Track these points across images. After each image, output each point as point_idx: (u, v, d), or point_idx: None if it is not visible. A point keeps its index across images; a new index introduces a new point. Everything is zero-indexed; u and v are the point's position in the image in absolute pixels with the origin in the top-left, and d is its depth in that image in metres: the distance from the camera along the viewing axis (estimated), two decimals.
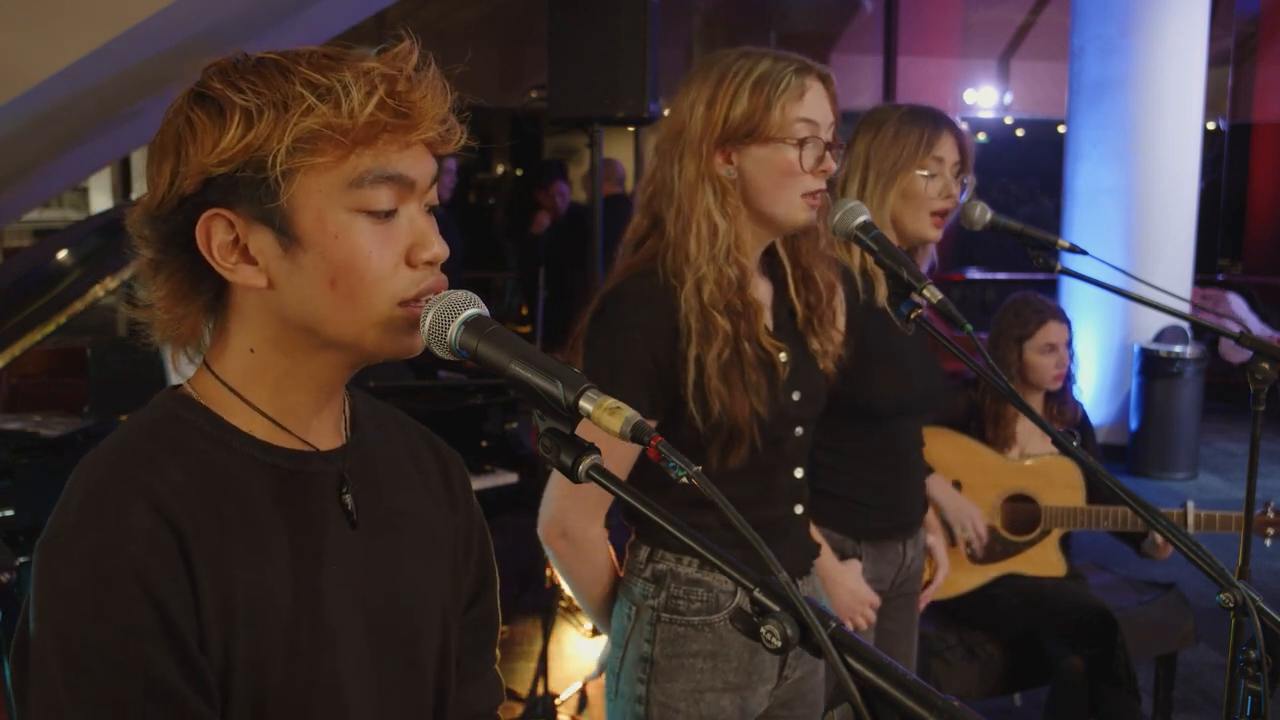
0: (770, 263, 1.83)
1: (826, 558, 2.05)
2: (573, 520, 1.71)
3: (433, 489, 1.22)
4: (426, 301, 1.02)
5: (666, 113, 1.78)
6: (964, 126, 2.27)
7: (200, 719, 0.96)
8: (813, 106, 1.69)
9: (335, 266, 1.00)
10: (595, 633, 4.19)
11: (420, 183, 1.03)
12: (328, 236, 1.00)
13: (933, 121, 2.22)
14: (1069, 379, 3.27)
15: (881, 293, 2.17)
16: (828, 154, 1.71)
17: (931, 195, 2.20)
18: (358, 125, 0.97)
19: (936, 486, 2.84)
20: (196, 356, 1.09)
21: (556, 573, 1.80)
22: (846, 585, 2.07)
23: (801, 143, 1.68)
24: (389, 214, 1.02)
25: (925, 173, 2.19)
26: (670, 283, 1.68)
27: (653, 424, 1.69)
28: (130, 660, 0.93)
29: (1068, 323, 3.24)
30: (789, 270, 1.83)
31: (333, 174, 0.99)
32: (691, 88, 1.72)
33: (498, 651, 1.33)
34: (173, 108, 1.02)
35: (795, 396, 1.77)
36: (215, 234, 1.00)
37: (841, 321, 1.90)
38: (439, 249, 1.04)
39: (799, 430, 1.80)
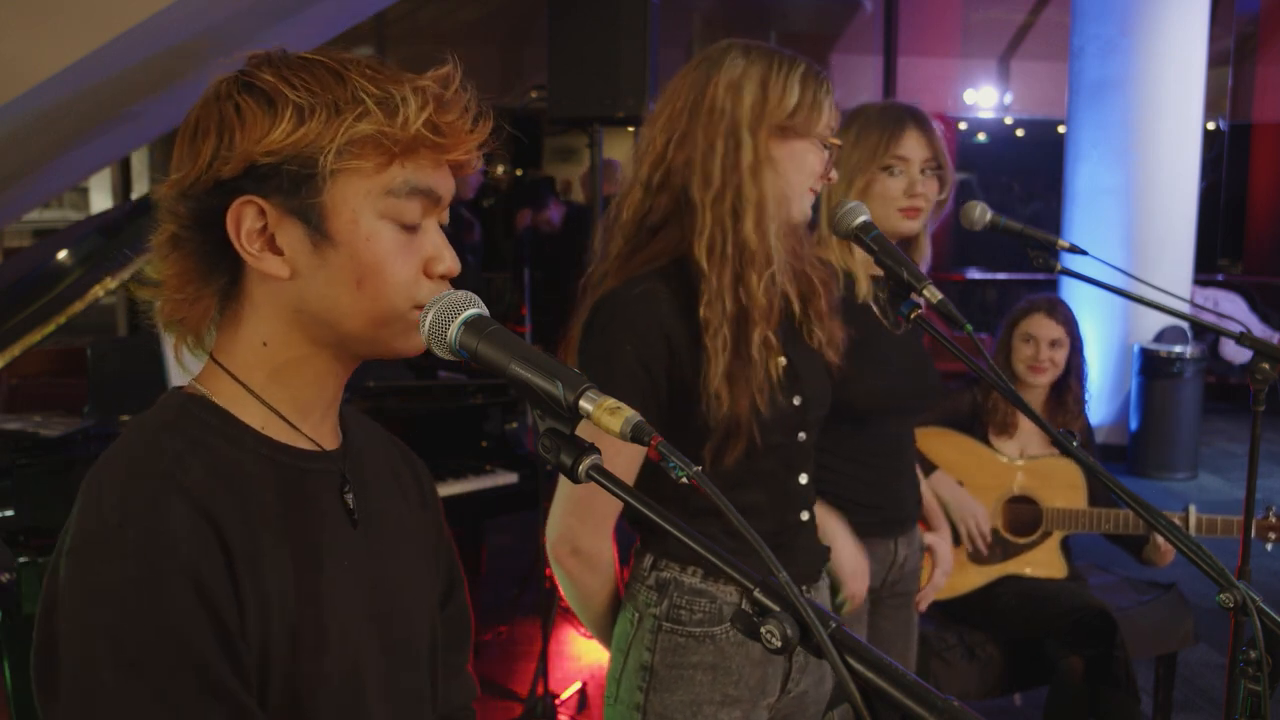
0: None
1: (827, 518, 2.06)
2: (583, 537, 1.69)
3: (407, 491, 1.25)
4: None
5: (680, 90, 1.72)
6: (934, 124, 2.24)
7: (248, 713, 0.97)
8: (832, 117, 1.73)
9: (364, 268, 1.03)
10: None
11: (445, 199, 1.08)
12: (359, 239, 1.03)
13: (895, 120, 2.21)
14: (1065, 385, 3.24)
15: (863, 289, 2.17)
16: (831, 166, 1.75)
17: (895, 194, 2.19)
18: (406, 137, 1.01)
19: (942, 484, 2.84)
20: (198, 349, 1.10)
21: (561, 588, 1.79)
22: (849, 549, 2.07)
23: (828, 147, 1.72)
24: (414, 226, 1.05)
25: (887, 170, 2.19)
26: (709, 277, 1.65)
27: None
28: (185, 658, 0.94)
29: (1066, 327, 3.21)
30: None
31: (372, 180, 1.02)
32: (724, 68, 1.68)
33: (470, 652, 1.35)
34: (215, 91, 1.03)
35: (796, 401, 1.75)
36: (245, 220, 1.02)
37: (838, 317, 1.90)
38: (452, 263, 1.08)
39: (802, 435, 1.78)
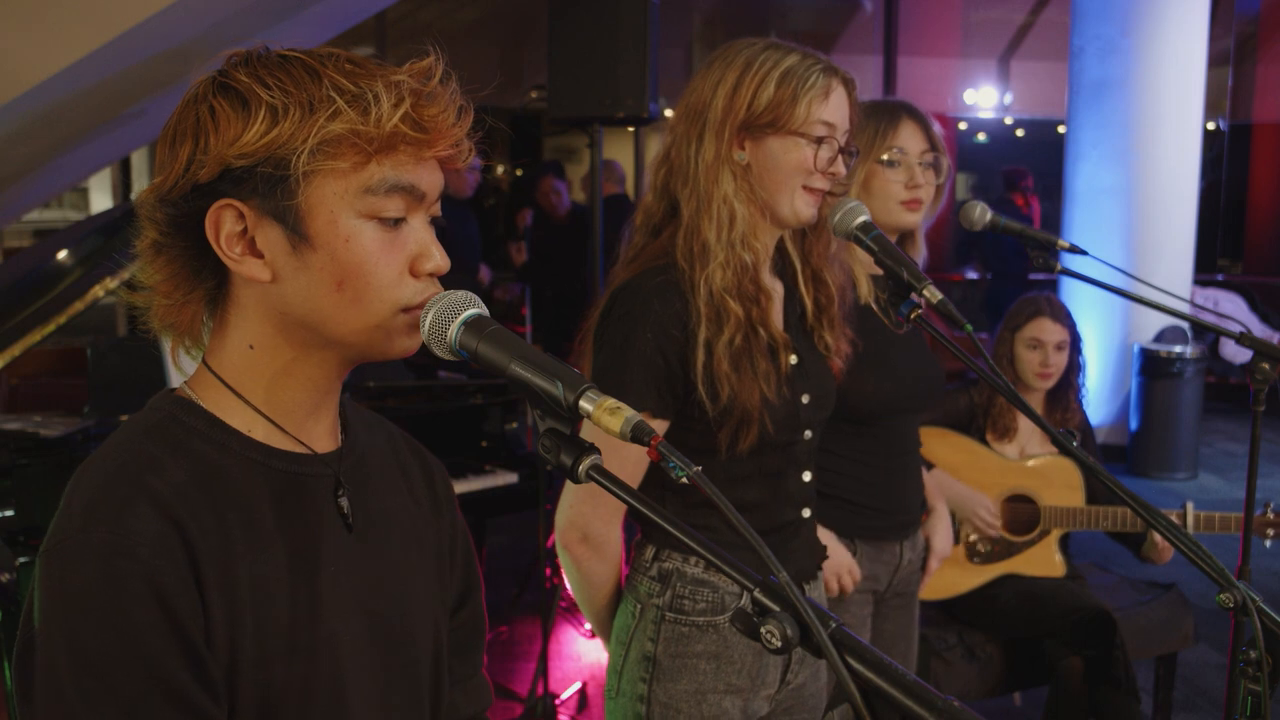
0: (781, 264, 1.83)
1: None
2: (593, 524, 1.69)
3: (417, 494, 1.23)
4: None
5: (686, 91, 1.76)
6: (928, 116, 2.22)
7: (209, 718, 0.96)
8: (835, 109, 1.70)
9: (344, 269, 1.01)
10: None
11: (430, 195, 1.05)
12: (339, 239, 1.01)
13: (889, 113, 2.19)
14: (1065, 383, 3.24)
15: (864, 290, 2.17)
16: (839, 158, 1.71)
17: (896, 186, 2.18)
18: (382, 134, 0.98)
19: (942, 482, 2.83)
20: (195, 350, 1.09)
21: (565, 576, 1.79)
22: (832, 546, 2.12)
23: (818, 141, 1.68)
24: (397, 222, 1.03)
25: (885, 159, 2.17)
26: (683, 268, 1.67)
27: (664, 424, 1.68)
28: (141, 661, 0.93)
29: (1068, 327, 3.21)
30: (799, 268, 1.82)
31: (349, 179, 1.00)
32: (714, 70, 1.71)
33: (485, 656, 1.34)
34: (193, 93, 1.02)
35: (805, 399, 1.76)
36: (224, 224, 1.01)
37: (849, 327, 1.90)
38: (440, 260, 1.05)
39: (808, 434, 1.79)
